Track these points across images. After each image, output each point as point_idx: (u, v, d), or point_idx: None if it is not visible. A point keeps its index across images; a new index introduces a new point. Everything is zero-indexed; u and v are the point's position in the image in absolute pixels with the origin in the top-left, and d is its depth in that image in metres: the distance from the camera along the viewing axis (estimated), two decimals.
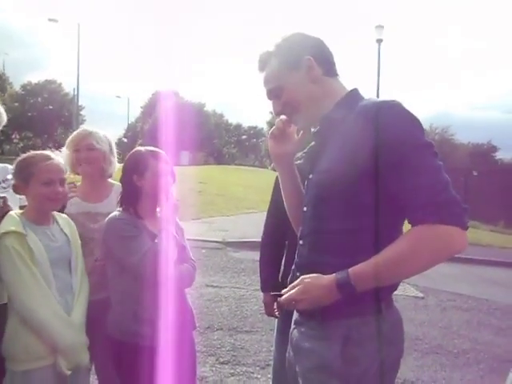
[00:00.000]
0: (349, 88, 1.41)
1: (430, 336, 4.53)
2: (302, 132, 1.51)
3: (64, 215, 2.00)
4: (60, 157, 1.94)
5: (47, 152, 1.90)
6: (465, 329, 4.86)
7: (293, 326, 1.44)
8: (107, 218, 1.93)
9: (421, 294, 6.03)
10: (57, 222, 1.93)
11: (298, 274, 1.38)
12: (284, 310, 1.42)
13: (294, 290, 1.28)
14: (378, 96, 15.03)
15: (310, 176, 1.38)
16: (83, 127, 2.32)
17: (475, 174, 16.28)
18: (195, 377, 2.12)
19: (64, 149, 2.24)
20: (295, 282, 1.30)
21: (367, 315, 1.28)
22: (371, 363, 1.26)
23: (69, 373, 1.76)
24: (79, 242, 1.98)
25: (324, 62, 1.38)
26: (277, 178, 2.21)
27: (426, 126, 44.22)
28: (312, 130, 1.45)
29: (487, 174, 16.51)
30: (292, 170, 1.55)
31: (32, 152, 1.91)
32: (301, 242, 1.41)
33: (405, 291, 5.98)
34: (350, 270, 1.21)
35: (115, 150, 2.35)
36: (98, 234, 2.08)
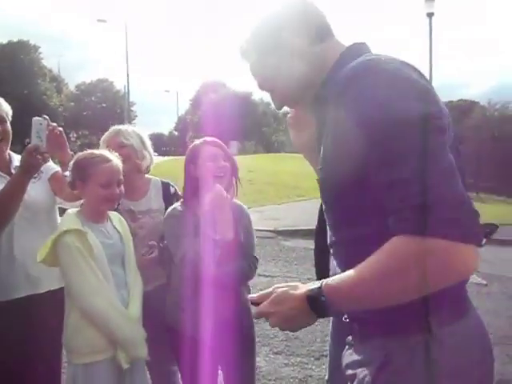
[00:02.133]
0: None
1: (495, 326, 4.27)
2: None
3: (115, 212, 2.04)
4: (116, 156, 1.95)
5: (106, 153, 1.93)
6: None
7: (346, 348, 1.20)
8: (167, 211, 2.03)
9: (484, 281, 5.71)
10: (110, 220, 1.98)
11: None
12: None
13: (265, 302, 1.04)
14: (430, 72, 14.31)
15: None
16: (119, 127, 2.30)
17: None
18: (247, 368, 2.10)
19: (101, 146, 2.23)
20: (267, 290, 1.06)
21: (410, 335, 0.97)
22: None
23: (127, 366, 1.81)
24: (131, 237, 2.02)
25: (307, 29, 1.13)
26: None
27: (484, 101, 41.88)
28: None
29: None
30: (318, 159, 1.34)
31: (91, 152, 1.94)
32: (331, 250, 1.20)
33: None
34: (324, 282, 0.97)
35: (149, 144, 2.33)
36: (140, 231, 2.14)
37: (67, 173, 1.93)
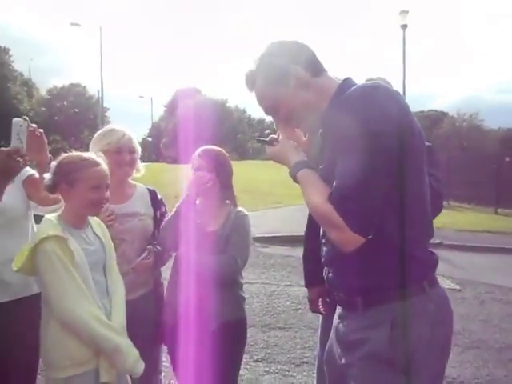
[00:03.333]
0: (341, 79, 1.41)
1: (469, 330, 4.37)
2: (308, 134, 1.55)
3: (95, 217, 1.97)
4: (102, 159, 1.90)
5: (94, 156, 1.88)
6: (507, 322, 4.67)
7: (337, 321, 1.46)
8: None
9: (457, 287, 5.84)
10: (90, 225, 1.92)
11: (329, 271, 1.43)
12: (329, 306, 1.44)
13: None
14: (404, 84, 14.70)
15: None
16: (110, 126, 2.27)
17: (507, 159, 15.71)
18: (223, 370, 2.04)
19: (94, 148, 2.16)
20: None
21: (411, 296, 1.27)
22: (419, 344, 1.26)
23: (104, 380, 1.72)
24: (112, 243, 1.96)
25: (308, 64, 1.37)
26: None
27: (453, 112, 43.11)
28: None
29: None
30: None
31: (78, 154, 1.88)
32: (323, 240, 1.44)
33: (441, 284, 5.79)
34: (299, 172, 1.35)
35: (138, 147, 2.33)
36: (128, 234, 2.06)
37: (47, 175, 1.86)
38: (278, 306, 4.89)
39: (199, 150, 2.20)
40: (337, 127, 1.25)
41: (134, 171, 2.27)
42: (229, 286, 2.13)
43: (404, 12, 14.70)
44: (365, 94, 1.23)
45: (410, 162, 1.24)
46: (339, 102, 1.27)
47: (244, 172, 21.47)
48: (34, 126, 1.91)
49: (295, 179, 1.37)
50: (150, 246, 2.13)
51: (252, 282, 5.73)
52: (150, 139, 51.99)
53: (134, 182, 2.33)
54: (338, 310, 1.46)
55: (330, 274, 1.42)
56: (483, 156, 18.26)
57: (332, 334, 1.48)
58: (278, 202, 13.16)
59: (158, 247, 2.18)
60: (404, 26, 14.75)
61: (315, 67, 1.39)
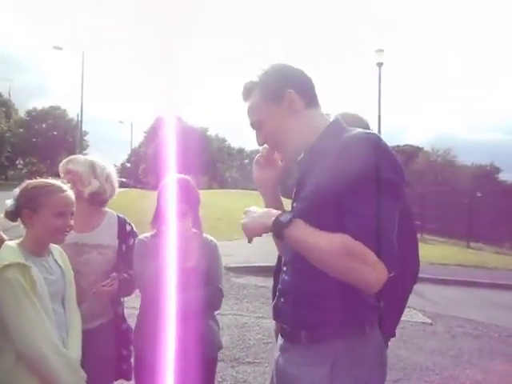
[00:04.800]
0: (331, 118, 1.44)
1: (440, 365, 4.35)
2: (283, 160, 1.55)
3: (56, 245, 1.92)
4: (67, 186, 1.87)
5: (59, 183, 1.84)
6: (477, 357, 4.67)
7: (277, 353, 1.44)
8: (137, 239, 2.08)
9: (429, 320, 5.85)
10: (51, 253, 1.86)
11: (282, 300, 1.42)
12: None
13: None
14: (379, 119, 15.12)
15: (294, 204, 1.39)
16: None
17: (479, 195, 16.15)
18: None
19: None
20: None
21: (352, 337, 1.29)
22: None
23: None
24: (72, 273, 1.90)
25: (306, 94, 1.40)
26: None
27: (427, 147, 44.36)
28: (297, 159, 1.46)
29: (491, 195, 16.36)
30: (276, 195, 1.61)
31: (43, 180, 1.85)
32: (284, 268, 1.44)
33: (412, 317, 5.82)
34: (290, 226, 1.25)
35: (101, 172, 2.20)
36: (85, 267, 2.00)
37: (8, 201, 1.81)
38: (249, 339, 4.79)
39: (172, 179, 2.08)
40: (341, 166, 1.23)
41: (87, 190, 2.15)
42: (209, 320, 2.12)
43: (380, 50, 15.25)
44: (374, 142, 1.25)
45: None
46: (342, 142, 1.26)
47: (221, 201, 21.46)
48: None
49: (283, 236, 1.28)
50: (114, 274, 2.05)
51: (224, 314, 5.62)
52: (128, 165, 51.66)
53: (107, 210, 2.24)
54: (280, 340, 1.46)
55: (280, 303, 1.42)
56: (456, 191, 18.74)
57: (273, 366, 1.47)
58: None
59: (125, 275, 2.09)
60: (380, 64, 15.26)
61: (311, 99, 1.41)
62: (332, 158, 1.26)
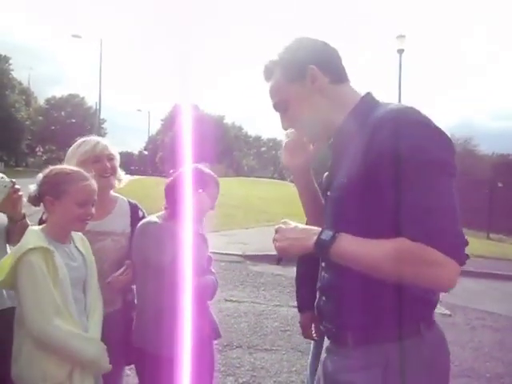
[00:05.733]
0: (362, 92, 1.30)
1: (460, 358, 4.30)
2: (315, 143, 1.44)
3: (78, 232, 1.92)
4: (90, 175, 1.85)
5: (82, 170, 1.83)
6: (498, 350, 4.60)
7: (324, 355, 1.36)
8: (141, 223, 1.98)
9: (448, 312, 5.78)
10: (73, 240, 1.86)
11: (323, 299, 1.32)
12: (322, 333, 1.36)
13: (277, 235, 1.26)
14: None
15: (328, 193, 1.30)
16: (83, 138, 2.15)
17: (500, 185, 15.82)
18: None
19: (70, 162, 2.03)
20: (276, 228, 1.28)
21: (405, 339, 1.16)
22: None
23: None
24: (93, 260, 1.89)
25: (330, 68, 1.28)
26: None
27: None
28: (328, 141, 1.36)
29: None
30: (309, 180, 1.50)
31: (65, 167, 1.84)
32: (323, 264, 1.33)
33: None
34: (335, 243, 1.13)
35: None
36: (99, 255, 1.94)
37: (32, 186, 1.82)
38: (266, 327, 4.80)
39: (188, 169, 2.03)
40: (377, 148, 1.11)
41: (116, 181, 2.14)
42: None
43: (401, 37, 14.93)
44: (412, 117, 1.13)
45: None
46: (375, 119, 1.15)
47: (238, 189, 21.47)
48: (18, 187, 1.94)
49: (328, 256, 1.16)
50: (128, 261, 2.01)
51: (241, 301, 5.65)
52: (146, 152, 52.04)
53: (116, 195, 2.19)
54: (326, 342, 1.36)
55: (322, 303, 1.33)
56: (476, 181, 18.36)
57: (320, 368, 1.38)
58: (271, 219, 13.05)
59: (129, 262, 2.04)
60: (401, 51, 14.96)
61: (337, 74, 1.29)
62: (365, 139, 1.14)
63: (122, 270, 1.99)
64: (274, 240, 1.26)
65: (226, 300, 5.57)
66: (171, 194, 2.01)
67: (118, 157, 2.16)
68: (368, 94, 1.29)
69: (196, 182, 1.99)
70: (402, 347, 1.16)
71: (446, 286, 1.08)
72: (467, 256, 1.08)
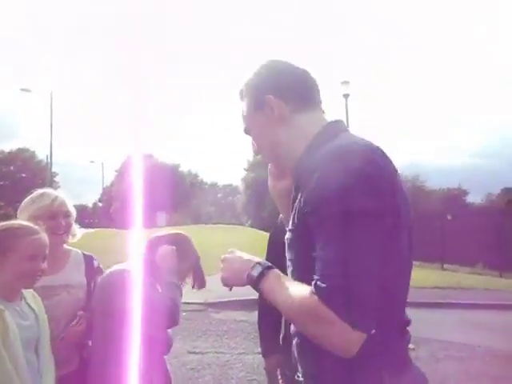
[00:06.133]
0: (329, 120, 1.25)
1: None
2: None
3: (28, 289, 1.82)
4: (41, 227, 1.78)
5: (30, 224, 1.77)
6: (463, 381, 4.66)
7: None
8: (113, 270, 1.93)
9: (411, 346, 5.77)
10: (24, 297, 1.77)
11: (293, 344, 1.25)
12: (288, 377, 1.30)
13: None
14: None
15: (287, 232, 1.23)
16: (41, 190, 2.10)
17: (449, 217, 16.55)
18: None
19: (22, 216, 1.98)
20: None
21: None
22: None
23: None
24: (46, 317, 1.80)
25: (292, 97, 1.20)
26: (270, 236, 2.16)
27: None
28: None
29: (461, 217, 16.81)
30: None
31: (12, 223, 1.77)
32: None
33: None
34: (263, 279, 1.12)
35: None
36: (56, 310, 1.88)
37: None
38: (232, 378, 4.64)
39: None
40: (310, 192, 1.05)
41: (70, 237, 2.10)
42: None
43: (345, 82, 15.73)
44: (347, 158, 1.04)
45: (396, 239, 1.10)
46: (318, 158, 1.09)
47: (197, 237, 21.10)
48: None
49: (258, 291, 1.15)
50: (81, 312, 1.94)
51: (205, 352, 5.46)
52: (100, 204, 50.82)
53: (68, 248, 2.15)
54: None
55: (292, 348, 1.26)
56: (427, 215, 19.11)
57: None
58: None
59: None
60: (346, 96, 15.72)
61: (300, 102, 1.21)
62: (308, 179, 1.07)
63: (75, 321, 1.91)
64: (221, 269, 1.25)
65: (189, 352, 5.37)
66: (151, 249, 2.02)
67: (74, 213, 2.12)
68: (330, 123, 1.22)
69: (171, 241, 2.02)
70: None
71: (339, 347, 1.00)
72: (370, 321, 0.99)
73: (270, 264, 1.16)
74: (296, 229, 1.12)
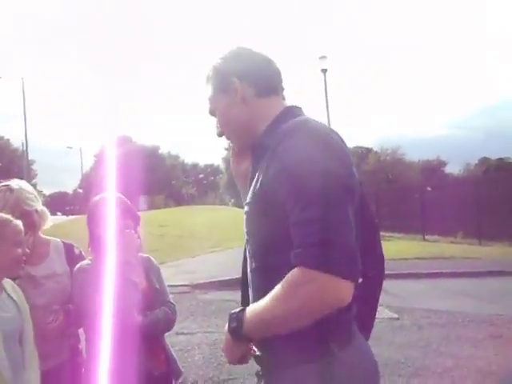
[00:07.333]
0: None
1: (412, 358, 4.44)
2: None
3: (8, 280, 1.79)
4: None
5: (2, 215, 1.75)
6: (445, 345, 4.80)
7: (256, 380, 1.32)
8: (76, 268, 1.94)
9: (395, 315, 5.97)
10: (4, 289, 1.73)
11: None
12: None
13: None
14: (329, 124, 15.46)
15: (244, 207, 1.25)
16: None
17: (429, 189, 16.81)
18: None
19: None
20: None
21: (315, 362, 1.10)
22: None
23: None
24: (27, 307, 1.77)
25: (257, 81, 1.28)
26: None
27: (376, 148, 45.90)
28: None
29: (440, 188, 17.07)
30: None
31: None
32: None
33: (379, 314, 5.89)
34: (243, 328, 1.13)
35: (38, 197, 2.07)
36: (43, 299, 1.89)
37: None
38: (221, 356, 4.68)
39: (103, 197, 1.99)
40: (276, 164, 1.11)
41: (42, 222, 2.03)
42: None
43: (323, 57, 15.65)
44: (309, 130, 1.12)
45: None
46: (279, 133, 1.15)
47: (180, 218, 21.18)
48: None
49: (246, 339, 1.16)
50: (56, 307, 1.92)
51: (193, 333, 5.50)
52: (80, 191, 50.13)
53: (48, 238, 2.11)
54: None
55: None
56: (407, 187, 19.42)
57: None
58: (216, 246, 12.99)
59: (71, 306, 1.96)
60: (324, 70, 15.66)
61: (264, 87, 1.29)
62: (270, 153, 1.14)
63: (50, 318, 1.90)
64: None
65: (178, 333, 5.39)
66: (94, 231, 1.96)
67: (38, 204, 2.03)
68: (290, 107, 1.30)
69: (123, 215, 1.95)
70: (311, 370, 1.10)
71: (329, 301, 1.02)
72: (358, 270, 1.03)
73: (241, 308, 1.18)
74: (257, 201, 1.16)
